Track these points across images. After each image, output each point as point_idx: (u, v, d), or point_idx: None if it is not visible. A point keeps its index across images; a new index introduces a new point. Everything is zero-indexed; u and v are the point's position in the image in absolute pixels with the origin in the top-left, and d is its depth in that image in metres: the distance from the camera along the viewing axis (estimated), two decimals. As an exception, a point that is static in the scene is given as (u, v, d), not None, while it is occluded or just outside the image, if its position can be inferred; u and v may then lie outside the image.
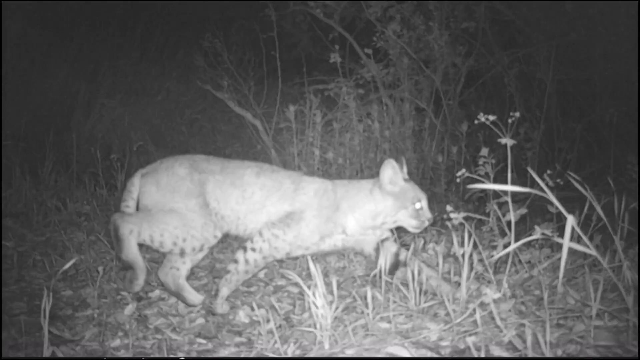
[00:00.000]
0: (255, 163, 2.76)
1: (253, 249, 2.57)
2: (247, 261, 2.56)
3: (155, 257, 3.31)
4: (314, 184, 2.66)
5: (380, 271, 2.52)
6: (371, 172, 4.40)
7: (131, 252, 2.54)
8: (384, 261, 2.63)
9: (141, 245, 2.60)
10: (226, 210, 2.63)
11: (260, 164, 2.76)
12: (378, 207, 2.61)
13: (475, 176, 2.73)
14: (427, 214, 2.62)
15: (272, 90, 5.05)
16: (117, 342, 2.26)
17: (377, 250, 2.67)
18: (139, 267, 2.54)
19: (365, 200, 2.63)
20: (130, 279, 2.58)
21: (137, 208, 2.67)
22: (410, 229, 2.64)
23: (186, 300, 2.66)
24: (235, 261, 2.57)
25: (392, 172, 2.59)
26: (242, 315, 2.52)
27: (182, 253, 2.64)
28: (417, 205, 2.59)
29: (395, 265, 2.65)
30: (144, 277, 2.57)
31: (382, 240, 2.69)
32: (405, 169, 2.71)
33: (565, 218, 1.81)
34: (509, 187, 2.03)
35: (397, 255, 2.66)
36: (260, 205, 2.62)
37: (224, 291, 2.56)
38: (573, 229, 1.79)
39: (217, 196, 2.62)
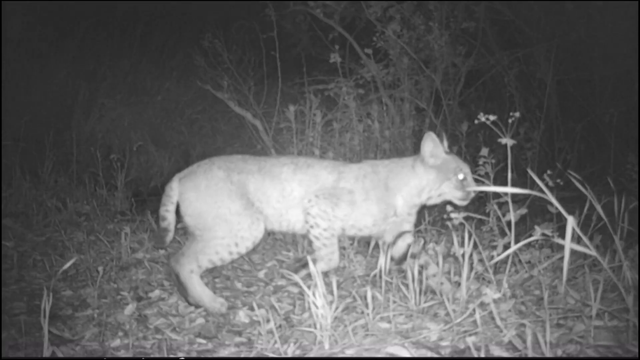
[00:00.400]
0: (290, 159, 2.75)
1: (312, 226, 2.62)
2: (317, 237, 2.62)
3: (155, 257, 3.31)
4: (351, 172, 2.67)
5: (381, 271, 2.52)
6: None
7: (196, 292, 2.58)
8: (397, 250, 2.67)
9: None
10: (269, 209, 2.65)
11: (296, 159, 2.75)
12: (422, 181, 2.63)
13: (475, 176, 2.73)
14: (472, 185, 2.62)
15: (272, 90, 5.05)
16: (117, 342, 2.26)
17: (397, 238, 2.71)
18: (206, 302, 2.58)
19: (410, 176, 2.65)
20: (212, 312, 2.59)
21: (178, 212, 2.67)
22: (457, 202, 2.65)
23: (188, 298, 2.67)
24: (311, 241, 2.65)
25: (433, 145, 2.61)
26: (242, 315, 2.52)
27: (240, 257, 2.69)
28: (460, 176, 2.60)
29: (405, 256, 2.69)
30: (217, 303, 2.58)
31: (403, 232, 2.72)
32: (445, 143, 2.72)
33: (566, 218, 1.81)
34: (509, 189, 2.03)
35: (409, 246, 2.70)
36: (301, 200, 2.64)
37: (321, 265, 2.60)
38: (573, 229, 1.79)
39: (259, 197, 2.64)
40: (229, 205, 2.57)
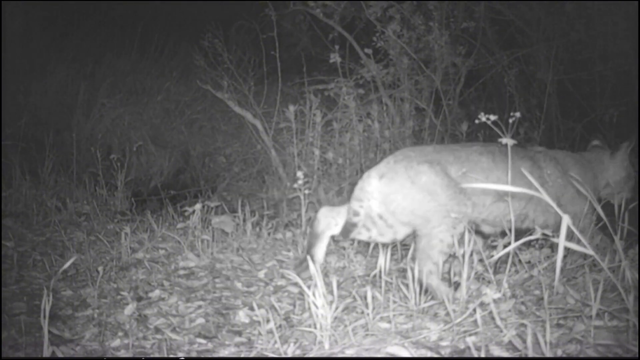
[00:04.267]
0: (485, 147, 2.69)
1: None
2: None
3: (155, 257, 3.31)
4: (569, 159, 2.83)
5: (381, 271, 2.52)
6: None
7: (439, 292, 2.48)
8: None
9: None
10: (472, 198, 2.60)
11: (490, 146, 2.69)
12: None
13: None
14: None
15: (272, 90, 5.04)
16: (117, 342, 2.26)
17: None
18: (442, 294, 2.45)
19: None
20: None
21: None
22: None
23: (435, 293, 2.52)
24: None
25: None
26: (242, 315, 2.52)
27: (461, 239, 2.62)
28: None
29: None
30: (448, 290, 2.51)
31: None
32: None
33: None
34: (509, 187, 2.03)
35: None
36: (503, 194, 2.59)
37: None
38: (569, 228, 1.79)
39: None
40: (436, 198, 2.53)
